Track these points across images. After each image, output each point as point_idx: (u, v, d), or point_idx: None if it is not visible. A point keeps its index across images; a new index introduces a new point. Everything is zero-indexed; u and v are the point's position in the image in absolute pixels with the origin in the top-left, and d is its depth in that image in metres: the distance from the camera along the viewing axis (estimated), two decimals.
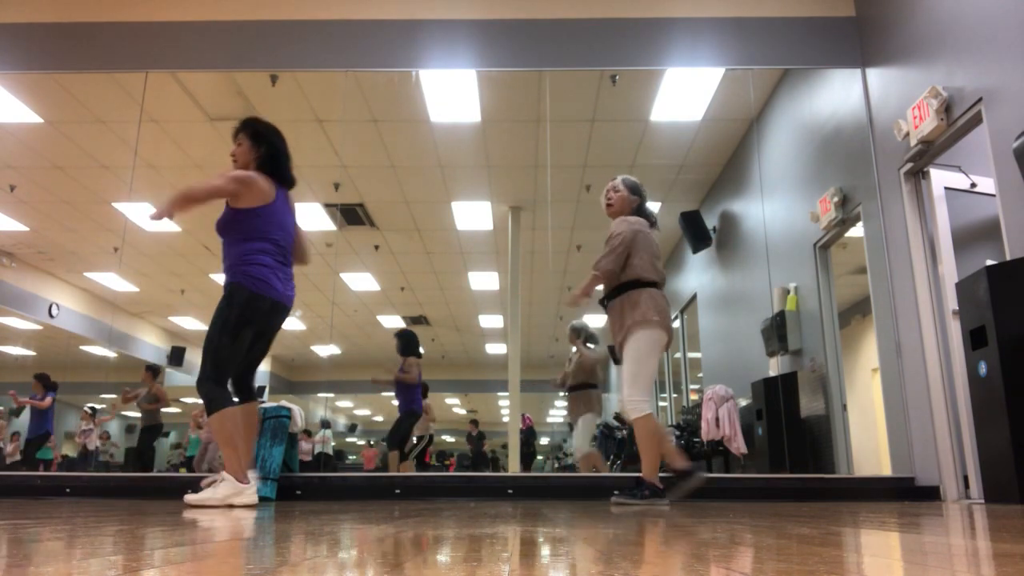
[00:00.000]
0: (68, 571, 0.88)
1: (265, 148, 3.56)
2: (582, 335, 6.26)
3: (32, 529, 1.66)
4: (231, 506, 3.16)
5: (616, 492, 3.70)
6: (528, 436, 9.47)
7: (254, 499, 3.27)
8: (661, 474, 3.69)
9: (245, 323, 3.32)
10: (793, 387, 5.95)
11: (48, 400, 8.02)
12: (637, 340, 3.55)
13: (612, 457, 7.65)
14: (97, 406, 9.51)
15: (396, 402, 6.69)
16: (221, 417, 3.21)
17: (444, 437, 13.06)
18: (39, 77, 6.29)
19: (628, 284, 3.67)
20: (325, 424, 12.74)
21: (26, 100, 6.66)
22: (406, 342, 6.70)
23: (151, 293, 10.71)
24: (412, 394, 6.65)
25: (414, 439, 7.13)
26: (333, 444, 12.16)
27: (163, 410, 10.37)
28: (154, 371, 8.15)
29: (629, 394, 3.49)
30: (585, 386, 6.17)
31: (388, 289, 10.95)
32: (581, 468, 6.19)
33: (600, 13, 6.02)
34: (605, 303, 3.80)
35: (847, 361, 6.48)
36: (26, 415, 8.38)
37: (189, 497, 3.25)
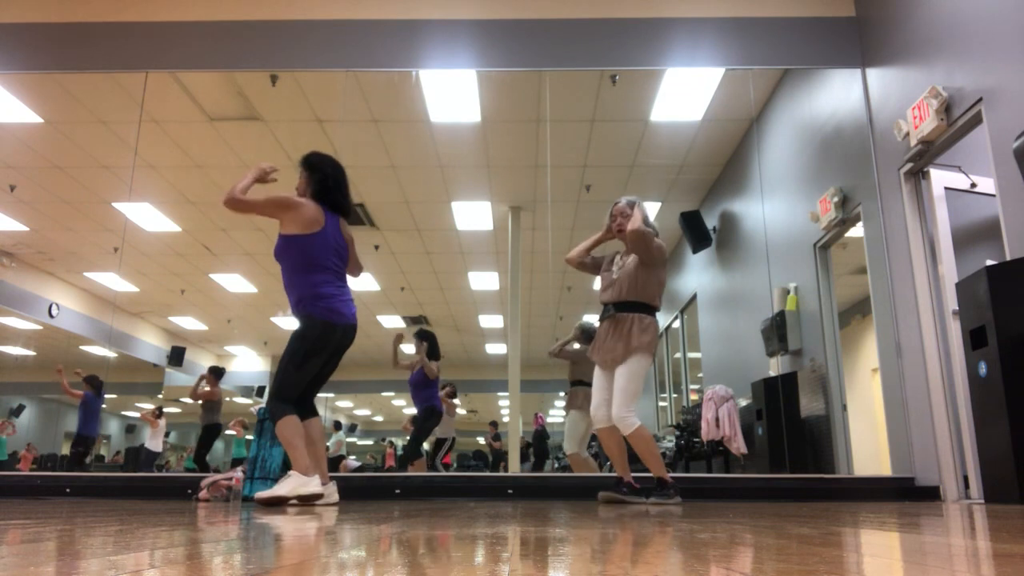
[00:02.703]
0: (68, 571, 0.88)
1: (317, 176, 3.69)
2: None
3: (33, 529, 1.66)
4: (300, 497, 3.39)
5: (617, 494, 3.86)
6: (539, 436, 9.49)
7: (319, 489, 3.45)
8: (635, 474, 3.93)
9: (315, 353, 3.55)
10: (793, 387, 5.95)
11: (80, 394, 8.06)
12: (639, 362, 3.71)
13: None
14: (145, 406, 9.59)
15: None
16: (282, 424, 3.49)
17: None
18: (39, 77, 6.29)
19: (643, 306, 3.79)
20: (337, 426, 12.75)
21: (26, 100, 6.65)
22: (430, 345, 6.77)
23: (151, 293, 10.71)
24: (430, 392, 6.73)
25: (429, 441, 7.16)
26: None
27: (167, 410, 10.37)
28: (215, 373, 8.26)
29: (620, 411, 3.64)
30: (579, 383, 6.10)
31: (388, 289, 10.95)
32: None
33: (600, 13, 6.02)
34: (610, 310, 3.79)
35: (847, 361, 6.49)
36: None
37: (260, 494, 3.45)
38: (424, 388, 6.69)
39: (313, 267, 3.55)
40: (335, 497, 3.59)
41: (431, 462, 7.39)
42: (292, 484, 3.42)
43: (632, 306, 3.77)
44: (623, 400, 3.64)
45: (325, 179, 3.69)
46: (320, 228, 3.58)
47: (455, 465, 14.21)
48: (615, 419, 3.63)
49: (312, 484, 3.43)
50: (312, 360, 3.56)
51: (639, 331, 3.71)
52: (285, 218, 3.54)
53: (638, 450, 3.71)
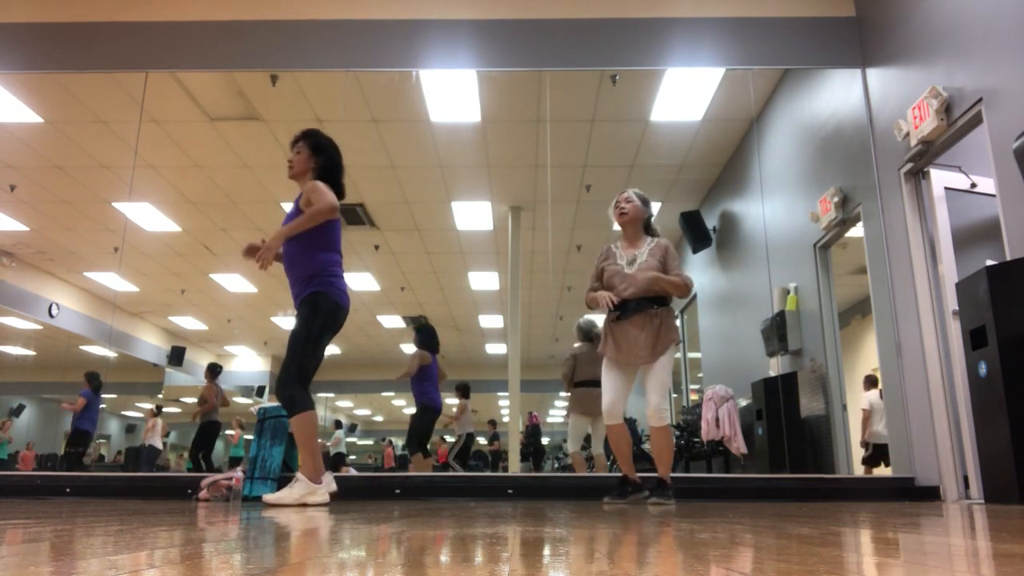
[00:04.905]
0: (68, 571, 0.88)
1: (324, 160, 3.70)
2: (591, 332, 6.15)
3: (33, 529, 1.66)
4: (304, 505, 3.31)
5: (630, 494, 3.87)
6: (532, 434, 9.50)
7: (326, 498, 3.41)
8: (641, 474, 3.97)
9: (327, 329, 3.50)
10: (793, 387, 5.95)
11: (79, 401, 8.05)
12: (671, 355, 3.73)
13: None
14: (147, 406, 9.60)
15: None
16: (304, 419, 3.40)
17: (445, 436, 13.09)
18: (39, 77, 6.29)
19: (665, 300, 3.80)
20: (338, 424, 12.81)
21: (26, 100, 6.65)
22: (418, 335, 6.73)
23: (151, 293, 10.72)
24: (421, 388, 6.61)
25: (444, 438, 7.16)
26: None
27: (166, 410, 10.38)
28: (211, 370, 8.22)
29: (662, 403, 3.65)
30: (580, 384, 6.06)
31: (388, 289, 10.95)
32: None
33: (600, 13, 6.02)
34: (644, 305, 3.72)
35: (847, 361, 6.49)
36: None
37: (267, 496, 3.42)
38: (415, 383, 6.62)
39: (329, 248, 3.59)
40: (333, 487, 3.54)
41: (448, 460, 7.41)
42: (300, 491, 3.39)
43: (657, 300, 3.75)
44: (663, 392, 3.65)
45: (333, 165, 3.72)
46: (337, 216, 3.64)
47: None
48: (655, 410, 3.59)
49: (320, 492, 3.40)
50: (325, 336, 3.51)
51: (670, 325, 3.73)
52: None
53: (661, 446, 3.70)
